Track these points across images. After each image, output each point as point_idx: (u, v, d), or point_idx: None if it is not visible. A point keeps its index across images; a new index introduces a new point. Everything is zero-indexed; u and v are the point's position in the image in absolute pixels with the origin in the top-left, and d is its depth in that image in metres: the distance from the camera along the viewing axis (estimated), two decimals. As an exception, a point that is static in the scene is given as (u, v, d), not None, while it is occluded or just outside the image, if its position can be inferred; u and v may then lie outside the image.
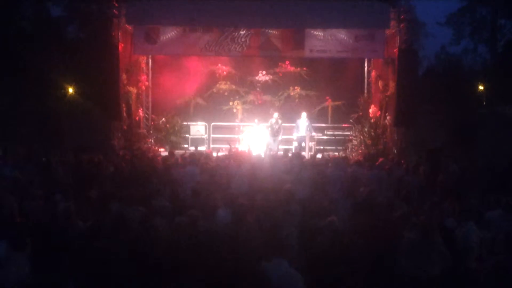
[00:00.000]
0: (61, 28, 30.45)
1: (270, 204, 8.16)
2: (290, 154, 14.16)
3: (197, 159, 12.56)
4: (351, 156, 17.53)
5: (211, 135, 19.72)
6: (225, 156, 13.72)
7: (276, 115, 17.59)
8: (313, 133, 17.43)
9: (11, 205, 8.20)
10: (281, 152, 15.55)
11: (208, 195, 8.82)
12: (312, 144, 17.34)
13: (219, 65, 20.33)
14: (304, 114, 17.54)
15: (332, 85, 20.09)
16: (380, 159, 13.30)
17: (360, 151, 18.10)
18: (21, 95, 21.32)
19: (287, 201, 8.10)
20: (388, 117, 18.49)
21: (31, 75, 23.04)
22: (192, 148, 18.00)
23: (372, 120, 19.00)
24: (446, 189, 10.53)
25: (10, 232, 6.49)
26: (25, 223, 7.21)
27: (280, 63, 20.34)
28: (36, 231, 6.89)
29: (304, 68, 20.31)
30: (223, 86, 20.26)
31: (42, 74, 22.43)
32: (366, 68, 20.69)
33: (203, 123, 19.68)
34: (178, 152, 16.08)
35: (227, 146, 15.50)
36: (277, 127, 17.37)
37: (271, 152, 15.67)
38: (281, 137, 17.63)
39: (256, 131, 18.01)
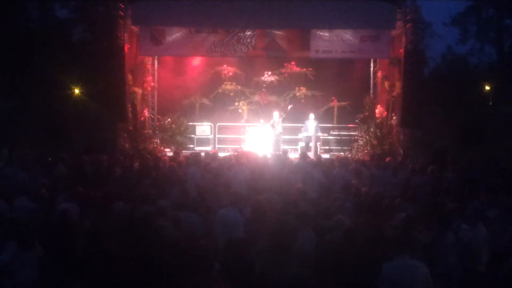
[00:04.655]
0: (67, 30, 30.58)
1: (279, 205, 8.13)
2: (288, 154, 14.15)
3: (199, 160, 12.57)
4: (357, 156, 17.53)
5: (217, 136, 19.74)
6: (230, 157, 13.70)
7: (276, 114, 17.57)
8: (319, 133, 17.45)
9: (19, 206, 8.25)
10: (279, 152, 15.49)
11: (213, 195, 8.83)
12: (318, 144, 17.36)
13: (225, 65, 20.33)
14: (312, 115, 17.57)
15: (338, 85, 20.05)
16: (387, 159, 13.28)
17: (366, 151, 18.05)
18: (27, 96, 21.40)
19: (298, 201, 8.05)
20: (394, 117, 18.42)
21: (37, 76, 23.13)
22: (198, 148, 18.07)
23: (378, 120, 18.95)
24: (452, 189, 10.47)
25: (18, 232, 6.52)
26: (32, 223, 7.20)
27: (285, 64, 20.31)
28: (42, 232, 6.90)
29: (310, 69, 20.27)
30: (229, 86, 20.26)
31: (48, 75, 22.50)
32: (372, 69, 20.67)
33: (209, 123, 19.73)
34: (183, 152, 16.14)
35: (233, 146, 15.52)
36: (277, 126, 17.35)
37: (273, 152, 15.71)
38: (282, 136, 17.61)
39: (261, 131, 18.02)
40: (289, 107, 18.09)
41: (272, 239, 6.08)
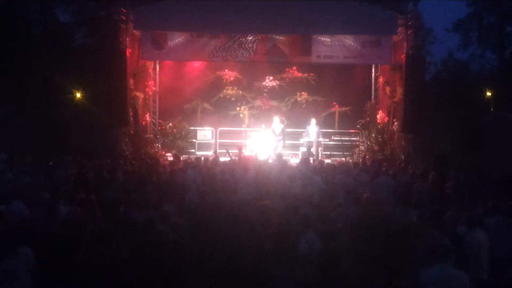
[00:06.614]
0: (69, 34, 30.62)
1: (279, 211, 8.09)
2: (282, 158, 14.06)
3: (200, 164, 12.55)
4: (358, 161, 17.48)
5: (218, 140, 19.70)
6: (231, 161, 13.66)
7: (276, 119, 17.52)
8: (320, 139, 17.41)
9: (20, 211, 8.21)
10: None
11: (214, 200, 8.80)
12: (319, 149, 17.35)
13: (226, 70, 20.33)
14: (313, 121, 17.53)
15: (339, 90, 20.08)
16: (384, 164, 13.26)
17: (367, 157, 18.01)
18: (29, 100, 21.40)
19: (296, 206, 8.02)
20: (395, 123, 18.42)
21: (39, 81, 23.15)
22: (199, 153, 18.06)
23: (380, 126, 18.95)
24: (453, 195, 10.44)
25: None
26: (32, 229, 7.15)
27: (287, 69, 20.33)
28: (43, 236, 6.88)
29: (311, 74, 20.27)
30: (230, 91, 20.25)
31: (50, 79, 22.53)
32: (373, 74, 20.69)
33: (210, 128, 19.70)
34: (184, 157, 16.14)
35: (234, 151, 15.45)
36: (277, 131, 17.28)
37: (272, 157, 15.64)
38: (282, 142, 17.45)
39: (263, 136, 17.99)
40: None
41: (275, 243, 6.09)
